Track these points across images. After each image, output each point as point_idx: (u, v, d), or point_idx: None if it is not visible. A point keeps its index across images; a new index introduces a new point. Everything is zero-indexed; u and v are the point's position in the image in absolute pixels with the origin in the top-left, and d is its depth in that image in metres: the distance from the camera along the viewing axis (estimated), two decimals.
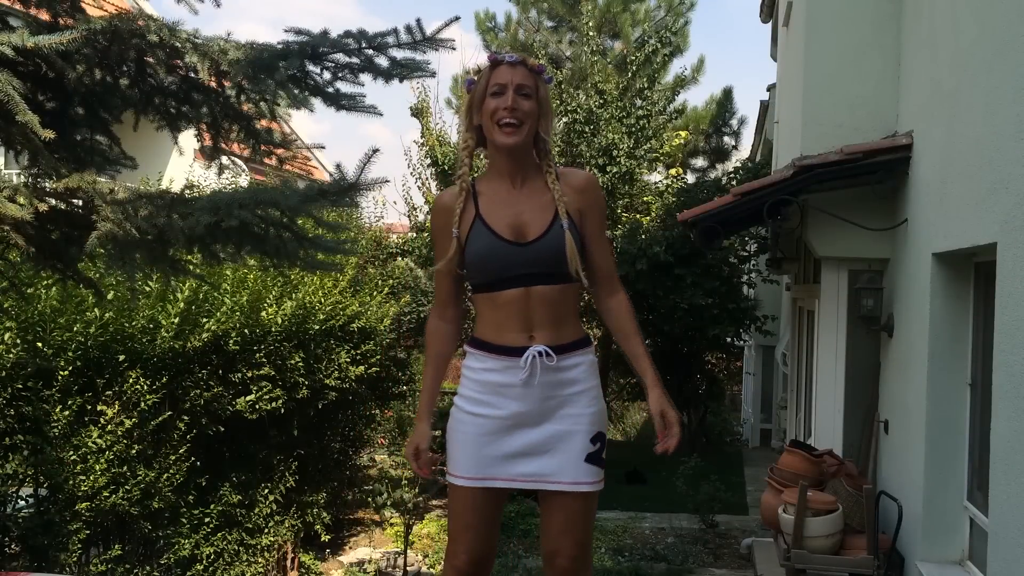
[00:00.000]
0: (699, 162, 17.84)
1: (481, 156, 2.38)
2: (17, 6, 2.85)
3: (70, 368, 4.27)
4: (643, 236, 9.71)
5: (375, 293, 7.75)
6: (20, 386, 4.13)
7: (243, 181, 9.61)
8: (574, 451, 2.16)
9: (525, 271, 2.15)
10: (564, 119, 10.51)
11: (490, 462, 2.18)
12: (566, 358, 2.17)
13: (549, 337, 2.16)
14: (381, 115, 2.92)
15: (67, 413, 4.23)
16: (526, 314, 2.16)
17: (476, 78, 2.24)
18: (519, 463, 2.17)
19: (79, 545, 4.32)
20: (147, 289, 4.82)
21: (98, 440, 4.38)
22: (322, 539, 6.68)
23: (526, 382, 2.14)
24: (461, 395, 2.25)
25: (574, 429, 2.17)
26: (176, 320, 4.79)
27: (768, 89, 11.46)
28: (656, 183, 11.90)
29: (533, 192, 2.20)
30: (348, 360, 6.58)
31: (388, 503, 6.64)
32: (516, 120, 2.13)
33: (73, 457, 4.29)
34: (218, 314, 5.13)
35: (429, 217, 10.13)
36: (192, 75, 2.85)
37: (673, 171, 12.89)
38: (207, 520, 5.15)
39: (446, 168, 10.48)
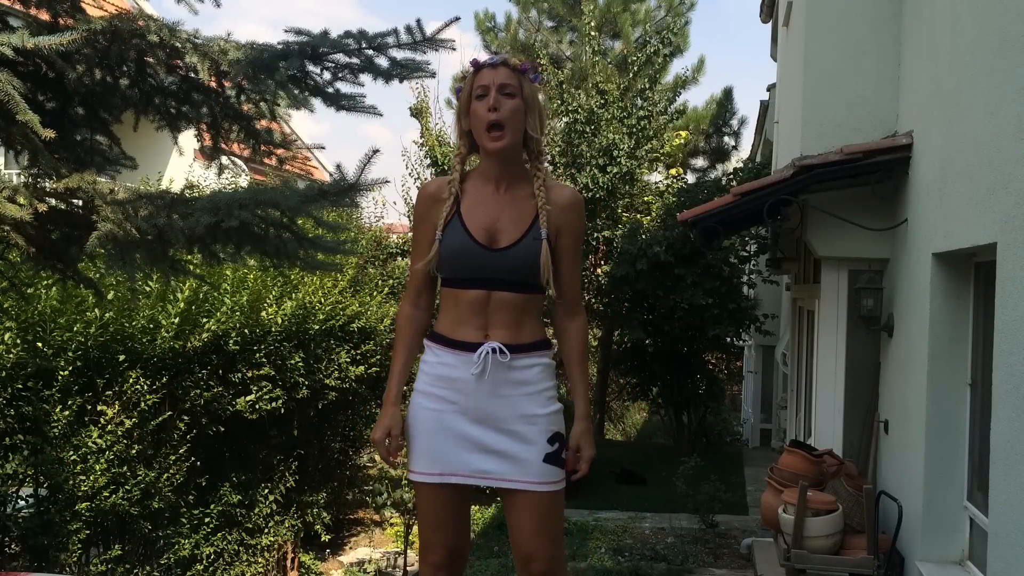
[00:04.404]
0: (699, 162, 17.84)
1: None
2: (17, 6, 2.85)
3: (70, 368, 4.27)
4: (643, 236, 9.71)
5: (375, 293, 7.76)
6: (20, 386, 4.13)
7: (243, 181, 9.61)
8: (532, 451, 2.16)
9: (490, 276, 2.17)
10: (565, 119, 10.52)
11: (447, 458, 2.18)
12: (521, 358, 2.19)
13: (505, 336, 2.18)
14: (381, 115, 2.94)
15: (67, 413, 4.24)
16: (484, 315, 2.19)
17: (462, 85, 2.26)
18: (477, 460, 2.18)
19: (79, 545, 4.32)
20: (147, 289, 4.83)
21: (98, 440, 4.38)
22: (322, 539, 6.69)
23: (478, 377, 2.16)
24: (417, 389, 2.27)
25: (530, 429, 2.17)
26: (176, 320, 4.79)
27: (768, 89, 11.46)
28: (656, 183, 11.91)
29: (514, 199, 2.22)
30: (348, 360, 6.58)
31: (388, 503, 6.65)
32: (500, 121, 2.14)
33: (73, 457, 4.29)
34: (218, 314, 5.13)
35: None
36: (192, 75, 2.86)
37: (673, 171, 12.90)
38: (207, 520, 5.15)
39: (446, 168, 10.49)
